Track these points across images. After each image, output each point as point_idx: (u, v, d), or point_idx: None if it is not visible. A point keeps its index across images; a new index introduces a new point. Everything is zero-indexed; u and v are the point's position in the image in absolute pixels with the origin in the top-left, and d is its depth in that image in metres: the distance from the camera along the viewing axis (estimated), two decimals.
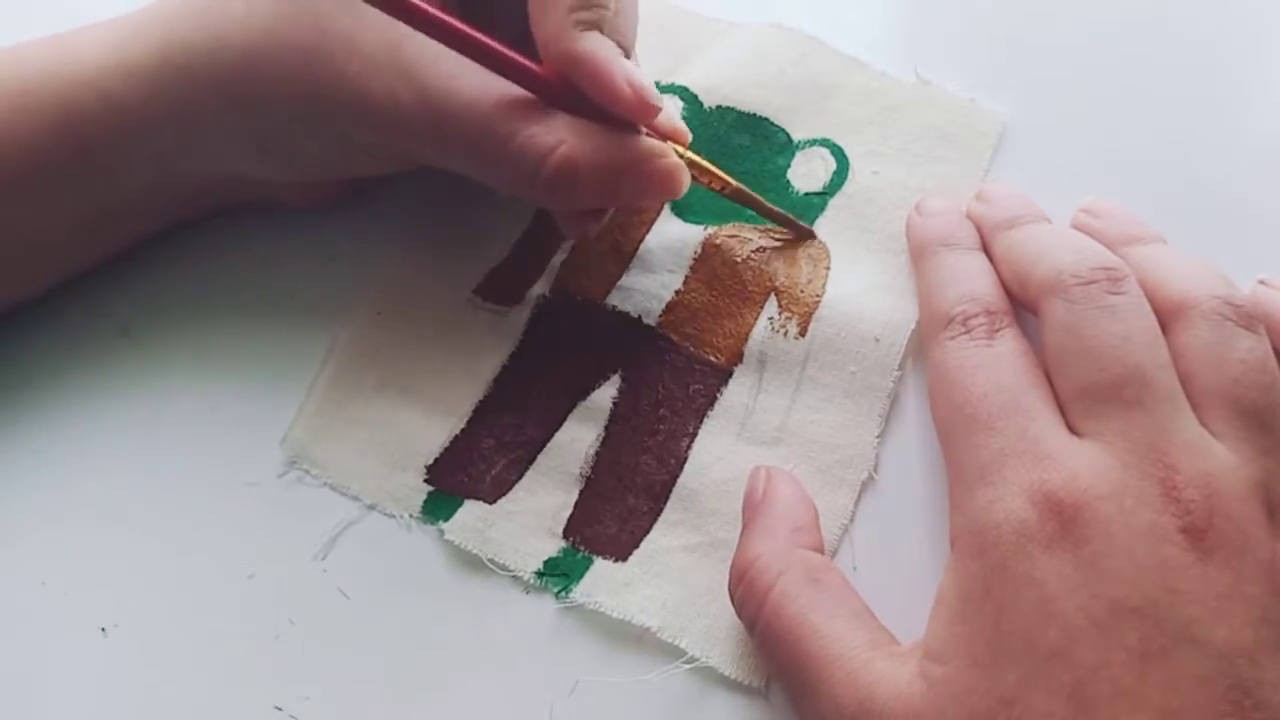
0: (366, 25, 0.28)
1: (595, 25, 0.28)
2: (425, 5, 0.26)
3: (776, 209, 0.33)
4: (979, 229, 0.32)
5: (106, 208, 0.32)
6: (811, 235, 0.34)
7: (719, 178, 0.32)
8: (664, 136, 0.30)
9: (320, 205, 0.35)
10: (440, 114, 0.28)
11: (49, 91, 0.30)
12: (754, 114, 0.36)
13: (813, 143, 0.36)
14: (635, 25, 0.31)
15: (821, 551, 0.28)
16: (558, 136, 0.28)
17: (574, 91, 0.28)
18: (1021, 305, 0.29)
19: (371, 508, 0.31)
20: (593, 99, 0.28)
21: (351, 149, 0.30)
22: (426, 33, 0.27)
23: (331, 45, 0.28)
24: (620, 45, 0.28)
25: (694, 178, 0.30)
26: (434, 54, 0.28)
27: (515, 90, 0.28)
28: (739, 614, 0.27)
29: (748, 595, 0.26)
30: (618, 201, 0.29)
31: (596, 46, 0.28)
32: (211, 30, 0.29)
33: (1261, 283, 0.29)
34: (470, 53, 0.27)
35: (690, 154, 0.31)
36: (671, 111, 0.30)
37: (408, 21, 0.26)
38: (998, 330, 0.28)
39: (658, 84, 0.37)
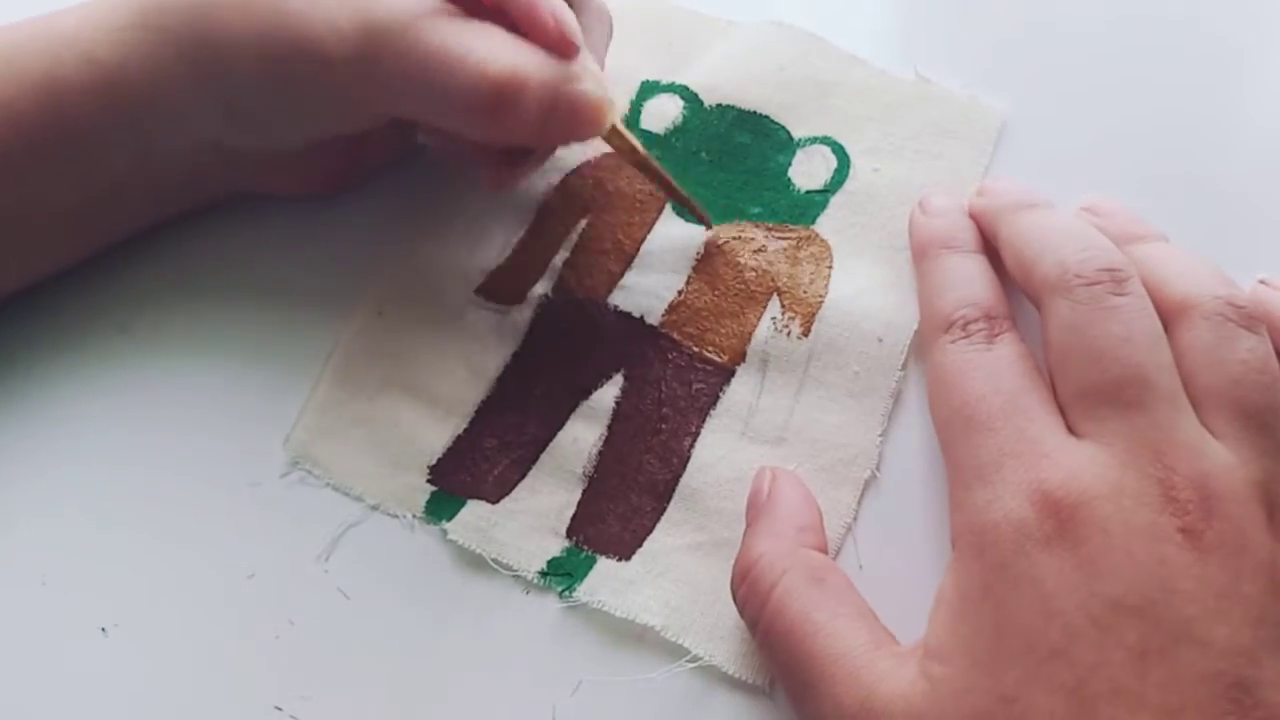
0: None
1: None
2: None
3: (679, 190, 0.33)
4: (984, 218, 0.31)
5: (92, 189, 0.32)
6: (708, 225, 0.34)
7: (628, 142, 0.31)
8: None
9: (314, 194, 0.35)
10: (376, 31, 0.28)
11: (32, 56, 0.30)
12: (754, 112, 0.36)
13: (813, 140, 0.36)
14: None
15: (826, 552, 0.28)
16: (498, 49, 0.28)
17: (507, 20, 0.29)
18: (1023, 292, 0.29)
19: (374, 508, 0.31)
20: (519, 27, 0.29)
21: (309, 107, 0.30)
22: None
23: None
24: None
25: (605, 139, 0.30)
26: None
27: (452, 8, 0.28)
28: (741, 613, 0.27)
29: (750, 594, 0.26)
30: (549, 132, 0.29)
31: None
32: None
33: (1262, 282, 0.30)
34: None
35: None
36: (592, 64, 0.30)
37: None
38: (997, 335, 0.28)
39: (658, 83, 0.37)
